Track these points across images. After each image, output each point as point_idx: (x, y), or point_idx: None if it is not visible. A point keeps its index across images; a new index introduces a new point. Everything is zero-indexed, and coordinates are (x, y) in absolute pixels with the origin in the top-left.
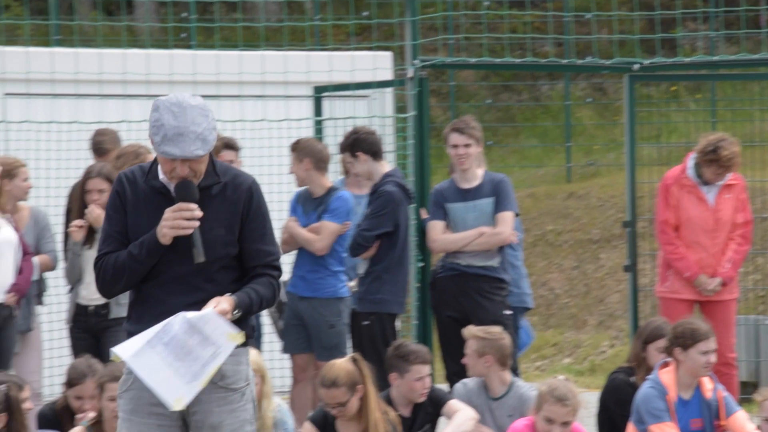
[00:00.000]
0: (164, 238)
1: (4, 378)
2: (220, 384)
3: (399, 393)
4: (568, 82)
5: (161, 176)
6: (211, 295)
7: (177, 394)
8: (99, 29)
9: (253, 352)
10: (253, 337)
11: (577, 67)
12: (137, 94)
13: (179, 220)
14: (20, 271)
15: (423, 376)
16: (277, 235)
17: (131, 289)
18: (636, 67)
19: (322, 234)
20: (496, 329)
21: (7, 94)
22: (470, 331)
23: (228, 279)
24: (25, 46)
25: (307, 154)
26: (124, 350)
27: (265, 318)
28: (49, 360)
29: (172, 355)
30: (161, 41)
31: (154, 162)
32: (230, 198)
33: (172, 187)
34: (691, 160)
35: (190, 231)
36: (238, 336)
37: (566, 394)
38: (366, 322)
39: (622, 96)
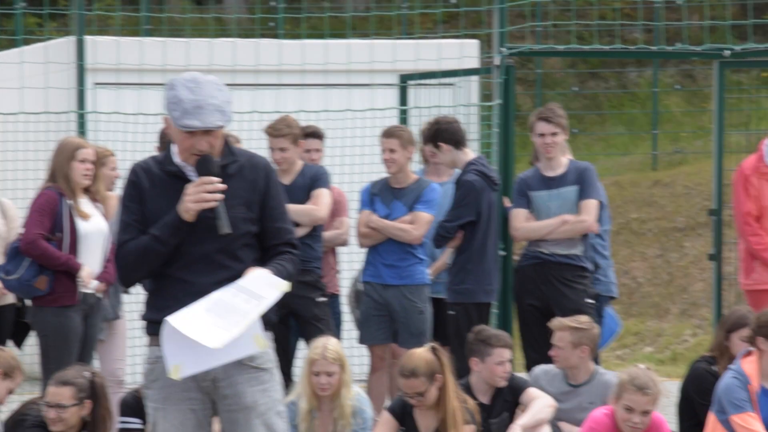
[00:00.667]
0: (188, 213)
1: (88, 369)
2: (251, 364)
3: (479, 379)
4: (656, 69)
5: (176, 160)
6: (237, 273)
7: (216, 336)
8: (188, 19)
9: (333, 340)
10: (273, 322)
11: (666, 54)
12: (224, 83)
13: (202, 193)
14: (108, 260)
15: (504, 360)
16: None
17: (151, 277)
18: (727, 53)
19: (418, 224)
20: (585, 318)
21: (97, 84)
22: (562, 322)
23: (251, 257)
24: (116, 36)
25: (410, 142)
26: (178, 320)
27: (344, 307)
28: (132, 348)
29: (213, 315)
30: (248, 31)
31: (168, 149)
32: (248, 177)
33: (188, 170)
34: (766, 147)
35: (213, 204)
36: (283, 284)
37: (647, 382)
38: (451, 312)
39: (712, 82)
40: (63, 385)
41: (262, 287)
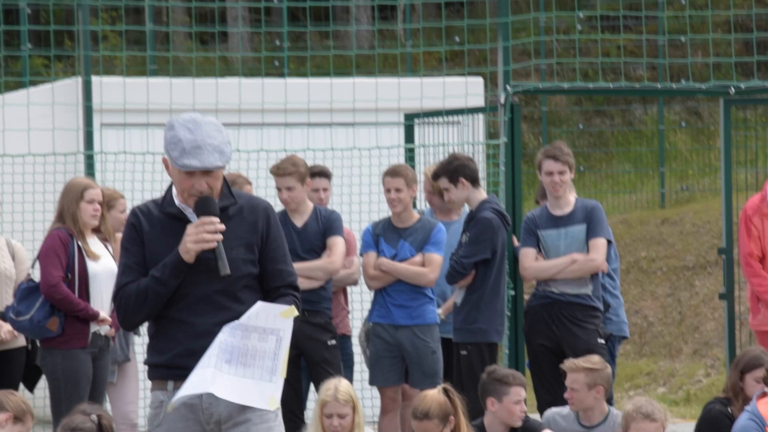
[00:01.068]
0: (188, 254)
1: (93, 409)
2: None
3: (494, 419)
4: (662, 106)
5: (177, 202)
6: (238, 314)
7: (267, 396)
8: (194, 59)
9: (344, 382)
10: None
11: (672, 91)
12: (230, 122)
13: (202, 233)
14: None
15: (520, 399)
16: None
17: (151, 320)
18: (732, 90)
19: (432, 266)
20: (597, 359)
21: (104, 124)
22: (576, 364)
23: (252, 299)
24: (122, 76)
25: (414, 181)
26: (196, 387)
27: (356, 348)
28: (145, 391)
29: (240, 367)
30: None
31: (168, 191)
32: (248, 219)
33: (188, 211)
34: None
35: (214, 245)
36: (291, 310)
37: (653, 410)
38: (464, 352)
39: (718, 120)
40: None
41: (271, 320)
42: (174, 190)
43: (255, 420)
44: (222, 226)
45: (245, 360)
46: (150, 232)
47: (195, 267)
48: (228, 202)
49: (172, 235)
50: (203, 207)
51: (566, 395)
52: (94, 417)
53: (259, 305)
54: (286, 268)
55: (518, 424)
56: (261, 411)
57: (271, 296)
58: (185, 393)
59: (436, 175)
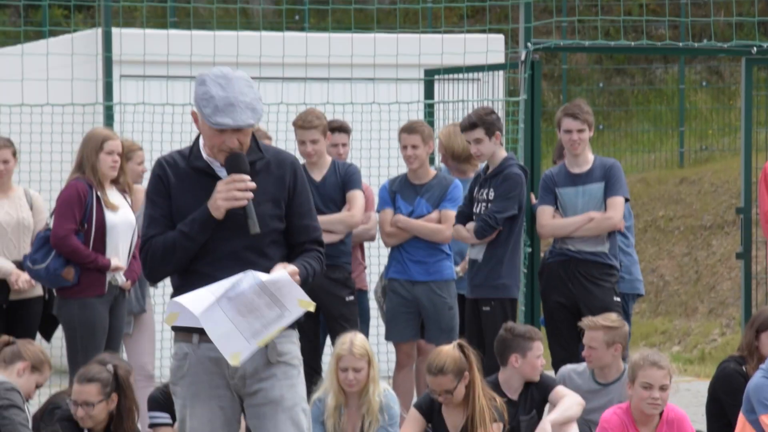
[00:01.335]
0: (218, 211)
1: (111, 359)
2: (280, 359)
3: (514, 375)
4: (683, 66)
5: (204, 156)
6: (264, 270)
7: (235, 350)
8: (214, 11)
9: (360, 336)
10: (301, 321)
11: (693, 51)
12: (250, 75)
13: (233, 191)
14: (134, 256)
15: (541, 353)
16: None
17: (177, 273)
18: (754, 50)
19: (448, 223)
20: (615, 317)
21: (123, 75)
22: (594, 322)
23: (278, 254)
24: (142, 28)
25: (431, 137)
26: (193, 304)
27: (372, 303)
28: (161, 342)
29: (234, 311)
30: (275, 23)
31: (195, 143)
32: (275, 173)
33: (216, 165)
34: None
35: (244, 202)
36: (309, 304)
37: (659, 358)
38: (486, 308)
39: (739, 79)
40: (88, 383)
41: (288, 299)
42: (201, 143)
43: (279, 376)
44: (253, 184)
45: (241, 309)
46: (177, 184)
47: (223, 223)
48: (255, 156)
49: (199, 189)
50: (234, 164)
51: (584, 353)
52: (110, 367)
53: (289, 281)
54: (312, 223)
55: (538, 377)
56: (286, 367)
57: (296, 251)
58: (182, 302)
59: (472, 125)
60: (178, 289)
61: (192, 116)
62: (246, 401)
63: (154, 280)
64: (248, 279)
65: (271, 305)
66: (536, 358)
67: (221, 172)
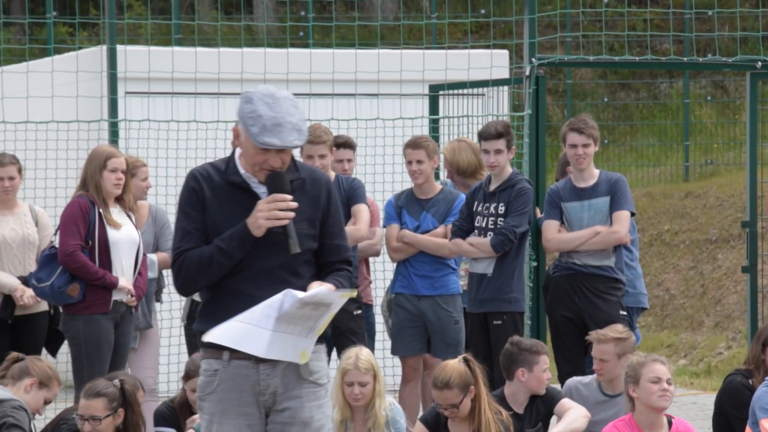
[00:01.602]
0: (258, 230)
1: (118, 375)
2: (310, 379)
3: (519, 389)
4: (687, 80)
5: (242, 171)
6: (297, 288)
7: (300, 350)
8: (218, 29)
9: (365, 350)
10: (328, 335)
11: (698, 65)
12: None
13: (275, 211)
14: (139, 273)
15: (547, 366)
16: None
17: (209, 287)
18: (759, 64)
19: None
20: (622, 327)
21: (128, 92)
22: (605, 335)
23: (310, 273)
24: (147, 45)
25: (435, 152)
26: (250, 345)
27: (377, 317)
28: (167, 357)
29: (284, 324)
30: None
31: (231, 157)
32: (310, 192)
33: (253, 182)
34: None
35: (285, 222)
36: (352, 292)
37: (657, 356)
38: (498, 322)
39: (744, 94)
40: (95, 397)
41: (327, 298)
42: (237, 157)
43: (309, 396)
44: (294, 204)
45: (290, 319)
46: (212, 198)
47: (260, 240)
48: (293, 175)
49: (236, 204)
50: (276, 183)
51: (595, 367)
52: (116, 381)
53: (325, 290)
54: (343, 243)
55: (543, 391)
56: (315, 387)
57: (325, 270)
58: (225, 341)
59: (498, 135)
60: (209, 305)
61: (233, 132)
62: (272, 417)
63: (186, 293)
64: (288, 299)
65: (316, 308)
66: (542, 372)
67: (258, 188)
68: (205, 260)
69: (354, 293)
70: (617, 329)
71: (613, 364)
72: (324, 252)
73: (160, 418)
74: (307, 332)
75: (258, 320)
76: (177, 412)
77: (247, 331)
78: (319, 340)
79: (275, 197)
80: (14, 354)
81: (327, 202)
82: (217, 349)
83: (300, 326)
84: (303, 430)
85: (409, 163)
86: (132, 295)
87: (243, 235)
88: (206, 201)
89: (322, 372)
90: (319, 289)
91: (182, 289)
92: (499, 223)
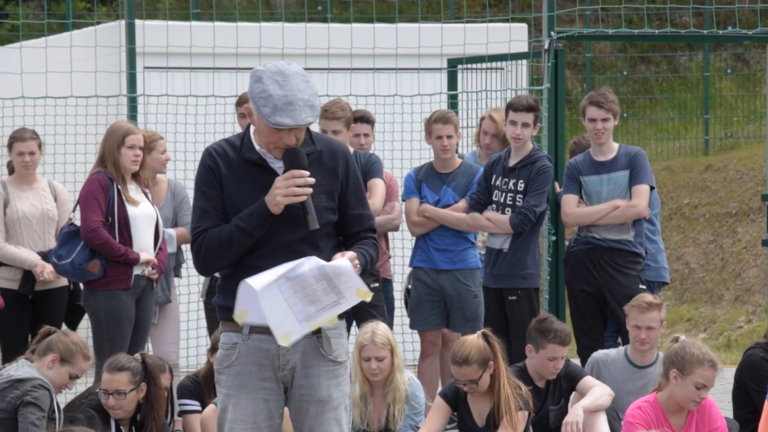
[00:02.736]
0: (276, 207)
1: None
2: (329, 357)
3: (533, 367)
4: (707, 53)
5: (257, 148)
6: None
7: (286, 330)
8: (236, 3)
9: (382, 325)
10: (348, 313)
11: (718, 38)
12: None
13: (293, 187)
14: (160, 248)
15: (557, 357)
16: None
17: (231, 265)
18: None
19: None
20: (651, 296)
21: (147, 67)
22: (651, 301)
23: (330, 245)
24: (165, 20)
25: (458, 126)
26: (256, 282)
27: (396, 292)
28: (186, 332)
29: (291, 291)
30: (297, 14)
31: (246, 133)
32: (327, 165)
33: (269, 158)
34: None
35: (303, 198)
36: (367, 294)
37: (715, 357)
38: (513, 297)
39: (765, 67)
40: (118, 371)
41: (346, 287)
42: (252, 133)
43: (328, 375)
44: (312, 180)
45: (298, 290)
46: (229, 176)
47: (278, 216)
48: (309, 149)
49: (253, 180)
50: (293, 160)
51: (642, 336)
52: (138, 356)
53: (350, 269)
54: (365, 212)
55: (550, 377)
56: (334, 366)
57: (350, 241)
58: (249, 281)
59: (530, 108)
60: (229, 279)
61: (246, 111)
62: (291, 392)
63: (207, 273)
64: (309, 263)
65: (328, 291)
66: (547, 359)
67: (275, 164)
68: (224, 239)
69: (368, 297)
70: (649, 296)
71: (658, 331)
72: (347, 223)
73: (185, 391)
74: (303, 317)
75: (277, 268)
76: (201, 385)
77: (263, 275)
78: (340, 317)
79: (292, 173)
80: (46, 328)
81: (345, 172)
82: (236, 322)
83: (301, 305)
84: (321, 408)
85: (439, 138)
86: (154, 268)
87: (262, 212)
88: (223, 179)
89: (342, 350)
90: (343, 262)
91: (203, 268)
92: (517, 199)
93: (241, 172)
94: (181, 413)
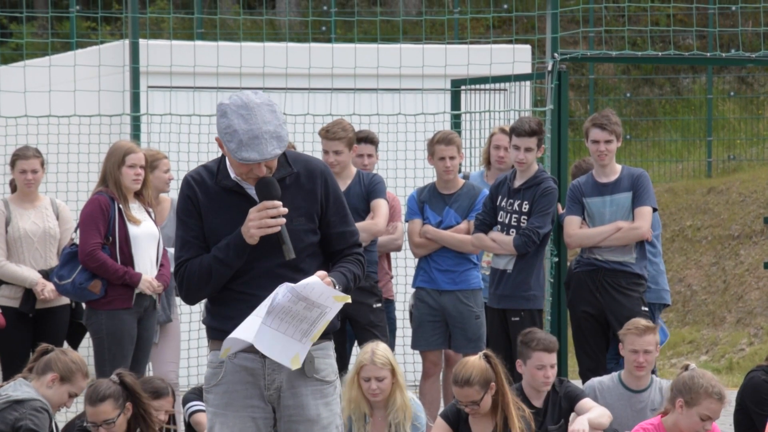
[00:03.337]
0: (251, 239)
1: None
2: (316, 376)
3: (527, 382)
4: (710, 76)
5: (232, 175)
6: None
7: (292, 354)
8: (240, 23)
9: (382, 345)
10: (333, 331)
11: (721, 60)
12: (276, 87)
13: (265, 219)
14: (161, 264)
15: (544, 365)
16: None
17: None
18: None
19: None
20: (644, 320)
21: (150, 86)
22: (646, 325)
23: (314, 266)
24: (169, 39)
25: (461, 146)
26: (245, 333)
27: (398, 312)
28: (187, 351)
29: (278, 322)
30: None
31: (222, 161)
32: (305, 186)
33: (245, 184)
34: None
35: (277, 229)
36: (345, 297)
37: (723, 390)
38: (516, 319)
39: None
40: (101, 402)
41: (321, 299)
42: (228, 160)
43: (316, 394)
44: (285, 210)
45: (284, 317)
46: (207, 204)
47: (258, 243)
48: (285, 172)
49: (231, 207)
50: (264, 191)
51: (639, 359)
52: (114, 377)
53: (317, 283)
54: (348, 229)
55: (543, 389)
56: (322, 385)
57: (335, 258)
58: (235, 336)
59: (532, 132)
60: (214, 303)
61: (217, 142)
62: (280, 413)
63: (192, 302)
64: (281, 290)
65: (309, 307)
66: (535, 368)
67: (251, 190)
68: (204, 271)
69: (348, 299)
70: (644, 321)
71: (654, 354)
72: (330, 241)
73: (191, 396)
74: (300, 336)
75: (257, 310)
76: None
77: (247, 320)
78: (327, 337)
79: (264, 205)
80: (44, 346)
81: (325, 192)
82: (222, 342)
83: (293, 328)
84: (310, 428)
85: (441, 159)
86: (159, 283)
87: (238, 243)
88: (201, 207)
89: (329, 369)
90: (310, 278)
91: (187, 298)
92: (522, 220)
93: (218, 200)
94: (191, 414)
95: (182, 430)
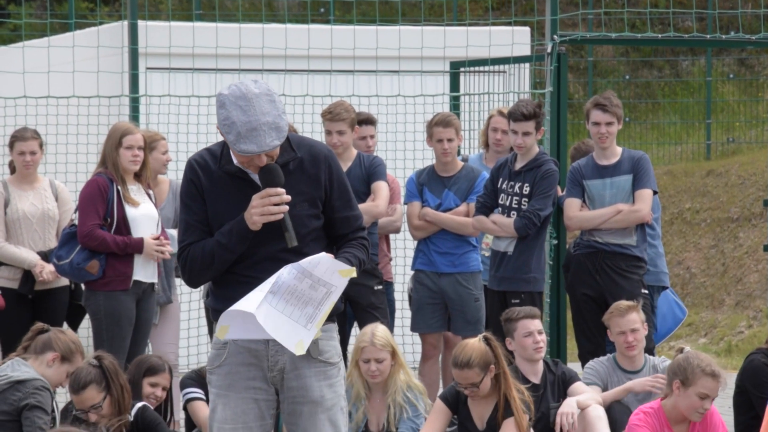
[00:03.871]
0: (254, 225)
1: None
2: (320, 358)
3: (521, 359)
4: (710, 58)
5: (235, 161)
6: None
7: (296, 339)
8: (239, 4)
9: (381, 327)
10: (337, 314)
11: (720, 43)
12: (275, 68)
13: (268, 206)
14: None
15: (531, 331)
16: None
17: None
18: None
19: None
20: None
21: (149, 68)
22: (627, 305)
23: (318, 251)
24: (167, 20)
25: (460, 128)
26: (246, 304)
27: (397, 294)
28: (187, 331)
29: (283, 302)
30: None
31: (225, 146)
32: (309, 171)
33: (248, 170)
34: None
35: (280, 216)
36: (351, 271)
37: (717, 368)
38: (516, 301)
39: (767, 71)
40: (84, 389)
41: (326, 273)
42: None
43: (319, 376)
44: (287, 197)
45: (289, 298)
46: (210, 189)
47: (261, 228)
48: (289, 157)
49: (234, 192)
50: (268, 178)
51: (627, 340)
52: (93, 360)
53: (324, 258)
54: (352, 213)
55: (536, 357)
56: (325, 366)
57: (339, 243)
58: (235, 308)
59: (528, 116)
60: (218, 285)
61: (218, 130)
62: (283, 394)
63: (195, 286)
64: (286, 269)
65: (315, 286)
66: (524, 337)
67: (254, 175)
68: (207, 255)
69: (354, 273)
70: (624, 302)
71: (642, 332)
72: (334, 226)
73: (188, 381)
74: (306, 321)
75: (260, 286)
76: (205, 377)
77: (249, 295)
78: (330, 319)
79: (268, 192)
80: (39, 325)
81: (329, 177)
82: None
83: (299, 311)
84: (314, 409)
85: (439, 141)
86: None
87: (241, 229)
88: (205, 191)
89: (333, 351)
90: (317, 255)
91: (190, 282)
92: (522, 203)
93: (222, 184)
94: (187, 402)
95: (179, 413)
